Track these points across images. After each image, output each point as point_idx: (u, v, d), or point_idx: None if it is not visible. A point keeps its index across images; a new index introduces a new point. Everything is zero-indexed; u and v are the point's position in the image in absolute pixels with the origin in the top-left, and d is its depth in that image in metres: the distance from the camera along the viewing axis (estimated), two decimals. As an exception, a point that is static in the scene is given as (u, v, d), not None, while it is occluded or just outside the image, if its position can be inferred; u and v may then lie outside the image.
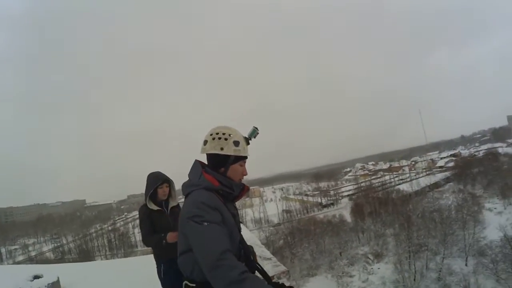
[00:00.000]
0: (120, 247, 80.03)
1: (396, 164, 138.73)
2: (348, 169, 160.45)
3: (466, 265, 40.48)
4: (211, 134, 2.27)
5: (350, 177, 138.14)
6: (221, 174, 2.25)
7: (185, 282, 2.17)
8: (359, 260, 48.48)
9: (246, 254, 2.29)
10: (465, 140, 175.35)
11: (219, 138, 2.23)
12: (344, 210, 74.39)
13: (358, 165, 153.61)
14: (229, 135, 2.25)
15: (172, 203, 4.58)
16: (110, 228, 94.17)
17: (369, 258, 48.56)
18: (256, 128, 2.36)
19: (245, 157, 2.33)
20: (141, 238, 4.50)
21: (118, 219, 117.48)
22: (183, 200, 2.34)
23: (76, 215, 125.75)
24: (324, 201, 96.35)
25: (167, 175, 4.66)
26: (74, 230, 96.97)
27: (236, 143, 2.25)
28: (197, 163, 2.31)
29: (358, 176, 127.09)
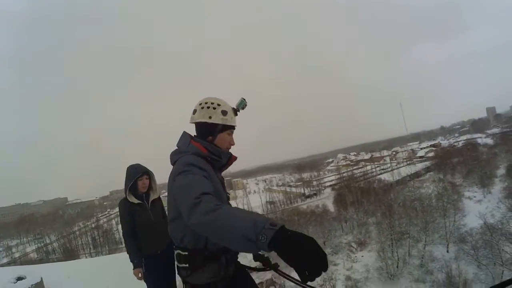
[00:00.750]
0: (104, 244, 79.41)
1: (377, 155, 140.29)
2: (330, 160, 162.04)
3: (447, 251, 41.17)
4: (200, 104, 2.34)
5: (332, 167, 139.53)
6: (208, 143, 2.31)
7: (177, 251, 2.21)
8: (343, 249, 48.93)
9: None
10: (444, 131, 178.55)
11: (208, 108, 2.30)
12: (327, 200, 74.50)
13: (340, 155, 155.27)
14: (218, 104, 2.32)
15: (153, 196, 4.55)
16: (93, 225, 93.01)
17: (353, 247, 49.01)
18: (244, 99, 2.42)
19: (233, 127, 2.40)
20: (123, 233, 4.40)
21: (101, 216, 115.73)
22: (165, 194, 2.38)
23: (59, 214, 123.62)
24: (307, 191, 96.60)
25: (149, 168, 4.60)
26: (57, 229, 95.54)
27: (224, 113, 2.32)
28: (185, 133, 2.38)
29: (340, 167, 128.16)
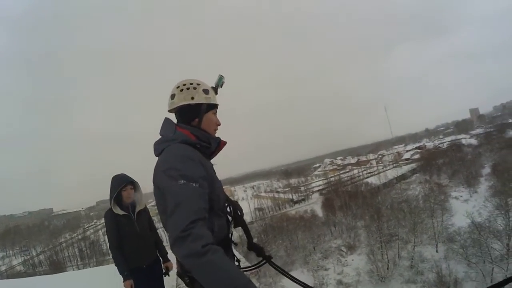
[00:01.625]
0: (91, 255, 77.31)
1: (363, 158, 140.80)
2: (317, 165, 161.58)
3: (436, 251, 41.36)
4: (178, 87, 2.20)
5: (320, 172, 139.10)
6: (195, 127, 2.18)
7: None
8: (332, 253, 48.75)
9: (234, 208, 2.30)
10: (429, 133, 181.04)
11: (187, 89, 2.18)
12: (315, 205, 74.36)
13: (327, 160, 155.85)
14: (197, 84, 2.21)
15: (138, 207, 4.43)
16: (80, 236, 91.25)
17: (343, 251, 48.93)
18: (222, 76, 2.32)
19: (216, 105, 2.29)
20: (109, 245, 4.32)
21: (88, 226, 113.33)
22: (153, 203, 2.24)
23: (44, 225, 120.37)
24: (295, 197, 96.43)
25: (136, 179, 4.45)
26: (43, 241, 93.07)
27: (206, 91, 2.21)
28: (168, 119, 2.23)
29: (327, 171, 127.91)
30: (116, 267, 4.21)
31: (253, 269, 2.64)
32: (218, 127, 2.32)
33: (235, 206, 2.33)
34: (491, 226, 36.88)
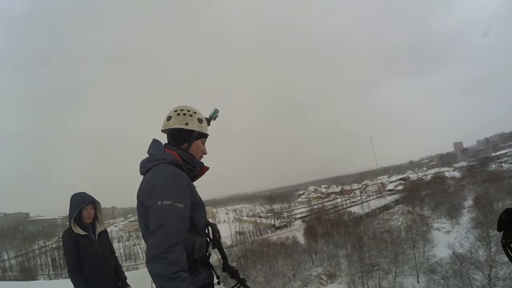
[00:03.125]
0: (64, 266, 74.77)
1: (347, 187, 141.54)
2: (301, 192, 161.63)
3: (418, 282, 41.56)
4: (175, 111, 2.36)
5: (303, 199, 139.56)
6: (183, 150, 2.31)
7: None
8: (313, 281, 48.40)
9: (213, 230, 2.40)
10: (413, 165, 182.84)
11: (184, 114, 2.32)
12: (297, 232, 74.31)
13: (311, 187, 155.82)
14: (194, 112, 2.37)
15: (99, 228, 4.26)
16: (54, 245, 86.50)
17: (323, 279, 48.56)
18: (217, 110, 2.50)
19: (207, 136, 2.44)
20: (67, 267, 4.00)
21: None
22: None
23: (19, 229, 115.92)
24: (277, 223, 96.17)
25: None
26: (16, 245, 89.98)
27: (200, 121, 2.36)
28: (157, 141, 2.34)
29: (311, 199, 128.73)
30: None
31: None
32: (204, 155, 2.46)
33: (214, 228, 2.41)
34: (473, 257, 36.99)
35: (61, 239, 4.18)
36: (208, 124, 2.45)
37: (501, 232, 1.45)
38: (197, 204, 2.17)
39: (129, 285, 4.42)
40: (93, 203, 4.16)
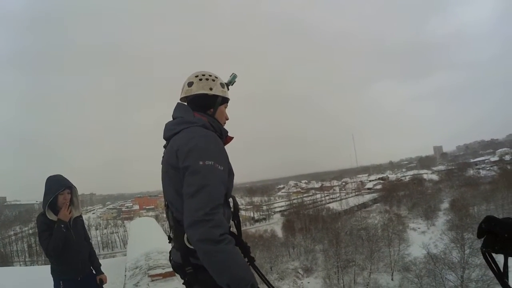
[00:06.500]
0: (40, 253, 72.83)
1: (327, 184, 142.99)
2: (282, 186, 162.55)
3: (392, 279, 41.95)
4: (197, 76, 2.21)
5: (283, 193, 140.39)
6: (210, 116, 2.20)
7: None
8: (289, 275, 48.28)
9: (234, 202, 2.22)
10: (393, 166, 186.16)
11: (207, 79, 2.19)
12: (276, 225, 74.50)
13: (292, 182, 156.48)
14: (215, 77, 2.23)
15: (75, 214, 4.04)
16: (31, 231, 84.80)
17: (299, 273, 48.65)
18: (235, 74, 2.36)
19: (228, 100, 2.32)
20: (45, 252, 3.80)
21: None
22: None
23: None
24: (256, 215, 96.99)
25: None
26: None
27: (222, 85, 2.24)
28: (183, 104, 2.23)
29: (291, 193, 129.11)
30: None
31: None
32: (227, 121, 2.34)
33: (235, 200, 2.21)
34: (447, 258, 37.32)
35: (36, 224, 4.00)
36: (228, 89, 2.33)
37: (481, 239, 1.42)
38: (230, 172, 2.04)
39: (103, 273, 4.31)
40: (70, 187, 3.97)
